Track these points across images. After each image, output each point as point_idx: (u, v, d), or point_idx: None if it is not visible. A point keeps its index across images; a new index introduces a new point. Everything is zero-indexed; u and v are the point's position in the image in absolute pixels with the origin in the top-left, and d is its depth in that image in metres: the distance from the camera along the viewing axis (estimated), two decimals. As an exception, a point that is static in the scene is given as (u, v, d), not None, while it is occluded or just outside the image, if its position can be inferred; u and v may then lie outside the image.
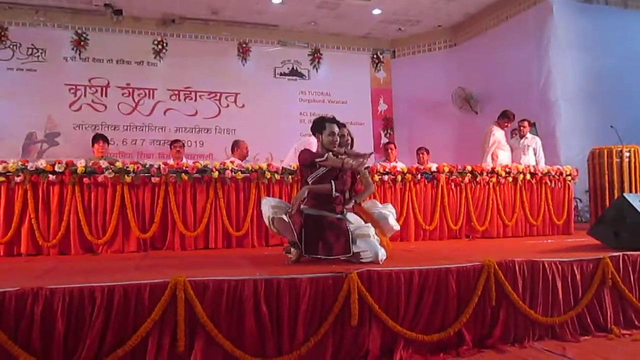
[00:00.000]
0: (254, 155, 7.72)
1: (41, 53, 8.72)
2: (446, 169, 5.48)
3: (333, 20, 9.49)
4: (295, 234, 3.41)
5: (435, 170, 5.46)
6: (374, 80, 10.41)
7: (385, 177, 5.24)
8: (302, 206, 3.52)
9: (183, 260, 3.76)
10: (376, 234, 3.68)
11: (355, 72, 10.24)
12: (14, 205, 4.30)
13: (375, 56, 10.42)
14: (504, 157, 6.42)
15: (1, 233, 4.24)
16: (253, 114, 9.14)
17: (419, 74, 10.11)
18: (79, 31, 8.92)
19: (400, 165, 5.48)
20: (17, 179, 4.26)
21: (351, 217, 3.74)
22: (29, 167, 4.30)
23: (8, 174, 4.27)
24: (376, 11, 9.19)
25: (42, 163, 4.35)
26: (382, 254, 3.47)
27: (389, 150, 7.00)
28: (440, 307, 3.18)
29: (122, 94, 8.95)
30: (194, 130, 9.00)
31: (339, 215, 3.60)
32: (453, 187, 5.55)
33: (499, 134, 6.58)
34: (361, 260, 3.43)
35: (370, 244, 3.49)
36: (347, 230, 3.53)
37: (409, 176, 5.32)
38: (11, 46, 8.57)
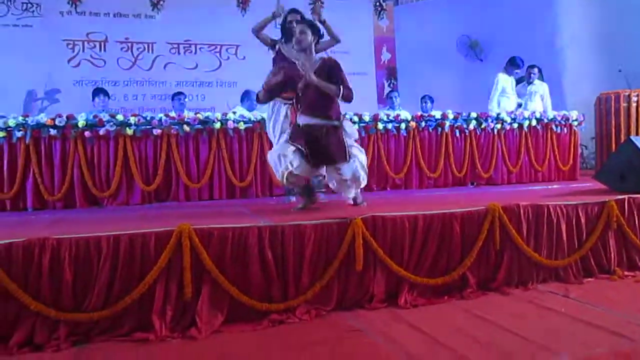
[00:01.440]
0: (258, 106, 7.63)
1: (36, 8, 8.51)
2: (451, 116, 5.42)
3: (333, -34, 9.19)
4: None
5: (440, 117, 5.40)
6: (376, 28, 10.14)
7: (389, 126, 5.18)
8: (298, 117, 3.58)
9: (187, 211, 3.78)
10: None
11: (357, 21, 9.94)
12: (17, 161, 4.29)
13: (377, 4, 10.11)
14: (508, 104, 6.32)
15: (6, 188, 4.25)
16: (254, 65, 8.90)
17: (423, 22, 9.86)
18: (73, -15, 8.68)
19: (405, 114, 5.41)
20: (19, 134, 4.24)
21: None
22: (29, 122, 4.27)
23: (9, 129, 4.24)
24: (378, -44, 8.90)
25: (42, 117, 4.32)
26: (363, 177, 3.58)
27: (393, 99, 6.91)
28: (445, 251, 3.20)
29: (121, 49, 8.75)
30: (194, 84, 8.85)
31: (335, 123, 3.58)
32: (458, 134, 5.49)
33: (504, 81, 6.46)
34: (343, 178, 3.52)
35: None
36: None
37: (413, 124, 5.27)
38: (5, 2, 8.37)
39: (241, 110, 5.54)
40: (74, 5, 8.70)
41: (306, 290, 2.88)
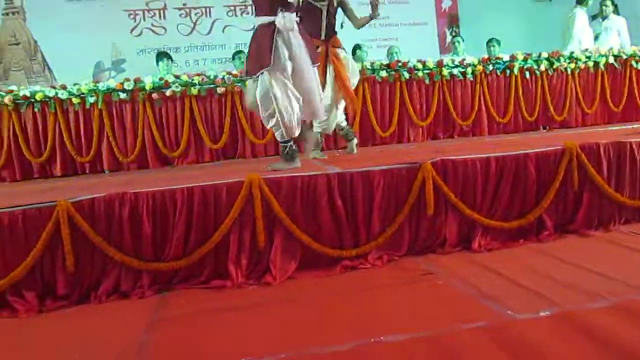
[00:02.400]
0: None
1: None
2: (520, 57, 5.16)
3: None
4: None
5: (509, 59, 5.14)
6: (436, -25, 9.74)
7: (455, 71, 4.99)
8: None
9: (255, 165, 3.82)
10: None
11: (415, -32, 9.58)
12: (91, 126, 4.49)
13: (436, -51, 9.67)
14: (588, 42, 5.91)
15: (84, 152, 4.47)
16: (311, 22, 8.87)
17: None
18: (130, -46, 8.80)
19: (470, 59, 5.19)
20: (91, 100, 4.41)
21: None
22: (100, 88, 4.44)
23: (82, 95, 4.42)
24: None
25: (112, 82, 4.47)
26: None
27: (456, 44, 6.65)
28: (519, 194, 3.08)
29: (180, 15, 8.87)
30: (253, 45, 8.89)
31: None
32: (528, 76, 5.23)
33: (582, 18, 6.03)
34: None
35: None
36: None
37: (479, 67, 5.05)
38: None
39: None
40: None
41: (377, 236, 2.86)
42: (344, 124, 4.18)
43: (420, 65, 4.89)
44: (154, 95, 4.46)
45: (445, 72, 4.95)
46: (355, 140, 4.20)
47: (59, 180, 4.19)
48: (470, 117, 5.05)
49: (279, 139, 3.31)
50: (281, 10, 3.16)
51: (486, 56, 5.39)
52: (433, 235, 2.97)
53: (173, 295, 2.62)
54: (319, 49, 3.78)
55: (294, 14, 3.22)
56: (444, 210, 2.97)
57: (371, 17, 3.76)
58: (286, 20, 3.14)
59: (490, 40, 6.46)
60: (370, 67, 4.83)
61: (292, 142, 3.28)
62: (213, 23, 8.92)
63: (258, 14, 3.24)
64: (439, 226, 2.97)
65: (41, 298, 2.57)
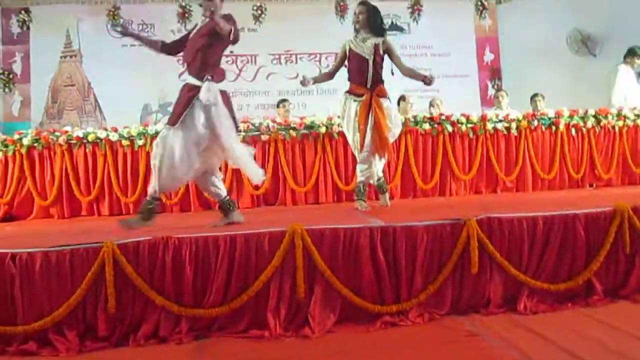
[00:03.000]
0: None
1: (150, 28, 9.14)
2: (566, 114, 5.10)
3: (433, -32, 9.04)
4: None
5: (554, 115, 5.09)
6: (478, 29, 9.82)
7: (499, 126, 4.97)
8: None
9: (296, 213, 3.84)
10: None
11: (458, 22, 9.69)
12: (139, 167, 4.61)
13: (479, 3, 9.79)
14: (634, 98, 5.82)
15: (130, 192, 4.58)
16: (354, 72, 9.03)
17: (528, 19, 9.38)
18: (183, 4, 9.23)
19: (514, 113, 5.17)
20: (140, 142, 4.55)
21: None
22: (149, 131, 4.58)
23: (131, 137, 4.57)
24: (480, -46, 8.62)
25: (160, 125, 4.61)
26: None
27: (500, 98, 6.62)
28: (568, 255, 2.98)
29: (226, 62, 9.11)
30: (295, 92, 9.06)
31: None
32: (574, 133, 5.15)
33: (626, 73, 5.96)
34: None
35: None
36: None
37: (524, 123, 5.02)
38: (124, 24, 9.06)
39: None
40: (183, 24, 9.27)
41: (419, 292, 2.80)
42: (380, 174, 4.15)
43: (464, 119, 4.90)
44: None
45: (489, 126, 4.93)
46: (388, 194, 4.17)
47: (106, 219, 4.29)
48: (514, 172, 4.99)
49: (149, 193, 3.34)
50: (208, 79, 3.24)
51: (530, 111, 5.36)
52: (477, 294, 2.89)
53: (210, 342, 2.61)
54: (364, 97, 3.85)
55: (221, 82, 3.36)
56: (489, 269, 2.89)
57: (424, 82, 3.88)
58: (210, 95, 3.22)
59: (534, 95, 6.42)
60: (413, 120, 4.85)
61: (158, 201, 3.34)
62: (258, 70, 9.18)
63: (189, 72, 3.33)
64: (483, 285, 2.89)
65: (82, 338, 2.59)
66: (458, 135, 4.93)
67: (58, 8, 9.11)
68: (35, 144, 4.53)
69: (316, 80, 4.16)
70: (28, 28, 9.15)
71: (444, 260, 2.84)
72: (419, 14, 9.60)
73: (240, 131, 3.76)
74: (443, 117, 4.89)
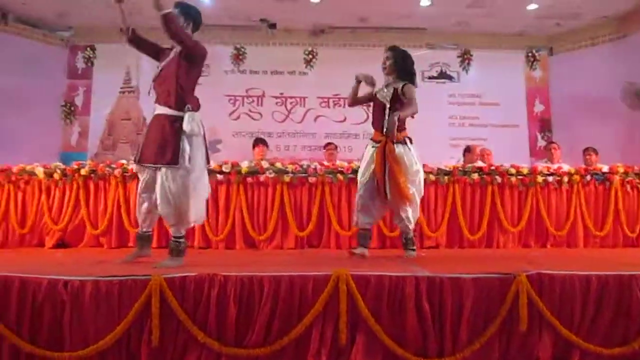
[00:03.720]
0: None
1: (205, 68, 9.46)
2: (620, 170, 4.95)
3: (484, 19, 9.09)
4: None
5: (608, 171, 4.96)
6: (529, 79, 9.76)
7: (550, 179, 4.88)
8: None
9: (340, 257, 3.81)
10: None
11: (508, 72, 9.68)
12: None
13: (530, 54, 9.75)
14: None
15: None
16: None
17: (580, 71, 9.27)
18: (238, 46, 9.57)
19: (566, 167, 5.06)
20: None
21: None
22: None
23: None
24: (532, 6, 8.63)
25: (211, 164, 4.71)
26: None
27: (552, 150, 6.50)
28: (622, 318, 2.84)
29: (276, 103, 9.39)
30: (342, 135, 9.16)
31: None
32: (629, 189, 4.99)
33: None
34: None
35: None
36: None
37: (576, 177, 4.90)
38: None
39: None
40: (237, 65, 9.60)
41: (464, 347, 2.72)
42: (409, 227, 3.97)
43: (513, 171, 4.82)
44: (249, 180, 4.64)
45: (540, 179, 4.83)
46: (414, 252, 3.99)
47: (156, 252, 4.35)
48: (565, 227, 4.85)
49: (175, 233, 3.32)
50: (189, 109, 3.24)
51: (582, 165, 5.23)
52: (525, 353, 2.78)
53: (250, 384, 2.59)
54: (379, 144, 3.83)
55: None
56: (538, 327, 2.79)
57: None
58: (194, 125, 3.23)
59: (587, 149, 6.29)
60: (462, 169, 4.81)
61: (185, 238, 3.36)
62: (306, 112, 9.35)
63: (163, 101, 3.28)
64: (531, 344, 2.78)
65: (124, 369, 2.62)
66: (507, 186, 4.84)
67: (121, 46, 9.57)
68: (92, 175, 4.71)
69: (354, 90, 4.16)
70: (92, 64, 9.68)
71: (491, 315, 2.75)
72: (468, 63, 9.64)
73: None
74: (492, 168, 4.83)
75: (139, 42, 3.57)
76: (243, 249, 4.62)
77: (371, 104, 4.13)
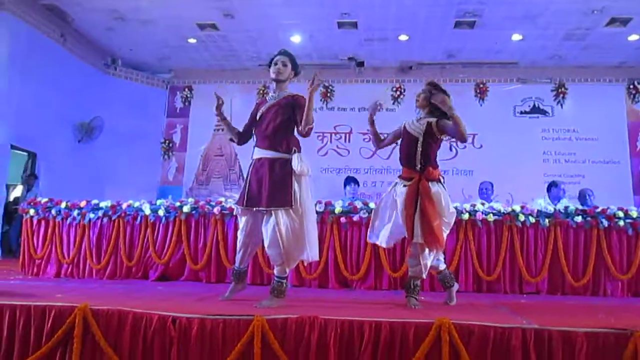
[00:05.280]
0: (493, 197, 7.41)
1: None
2: None
3: (580, 51, 8.79)
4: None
5: None
6: (630, 113, 9.26)
7: (662, 222, 4.53)
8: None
9: (437, 302, 3.73)
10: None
11: (607, 106, 9.24)
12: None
13: (631, 87, 9.27)
14: None
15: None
16: (492, 154, 8.88)
17: (687, 103, 8.70)
18: (326, 84, 9.81)
19: (679, 208, 4.69)
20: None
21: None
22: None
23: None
24: (633, 37, 8.25)
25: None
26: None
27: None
28: None
29: (363, 140, 9.50)
30: (429, 171, 9.07)
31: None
32: None
33: None
34: None
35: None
36: None
37: (693, 220, 4.52)
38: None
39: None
40: (325, 102, 9.84)
41: (577, 407, 2.55)
42: (442, 266, 3.74)
43: (621, 214, 4.53)
44: (342, 220, 4.69)
45: (647, 221, 4.51)
46: (456, 287, 3.77)
47: (251, 289, 4.47)
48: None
49: (280, 273, 3.39)
50: (295, 151, 3.36)
51: (698, 207, 4.82)
52: (644, 418, 2.56)
53: None
54: (411, 182, 3.54)
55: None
56: (658, 390, 2.57)
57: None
58: (303, 165, 3.34)
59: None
60: (564, 212, 4.59)
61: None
62: (393, 149, 9.31)
63: (270, 145, 3.43)
64: (652, 409, 2.56)
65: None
66: (615, 230, 4.55)
67: (216, 86, 10.14)
68: (193, 212, 4.95)
69: (373, 127, 3.97)
70: (189, 103, 10.32)
71: (606, 374, 2.58)
72: (563, 97, 9.32)
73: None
74: (598, 210, 4.56)
75: (247, 136, 3.74)
76: (336, 288, 4.63)
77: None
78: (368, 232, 3.89)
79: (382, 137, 4.04)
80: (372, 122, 3.93)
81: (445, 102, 3.42)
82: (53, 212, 5.22)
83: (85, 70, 9.06)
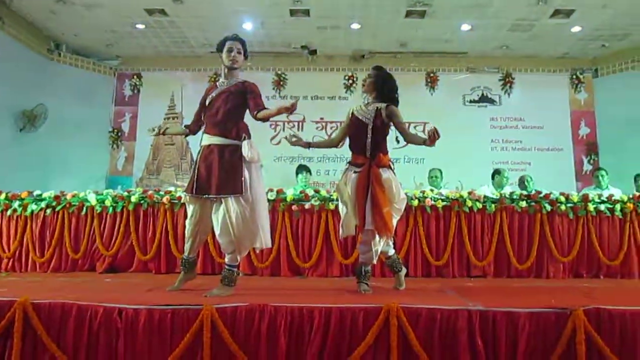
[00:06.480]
0: (443, 184, 7.55)
1: (247, 94, 9.67)
2: (676, 197, 4.78)
3: (526, 42, 9.01)
4: None
5: (662, 198, 4.79)
6: (573, 102, 9.59)
7: (602, 207, 4.73)
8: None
9: (387, 287, 3.78)
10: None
11: (551, 95, 9.54)
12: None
13: (574, 77, 9.60)
14: None
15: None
16: (442, 142, 8.94)
17: (627, 93, 9.06)
18: (279, 72, 9.74)
19: (618, 193, 4.90)
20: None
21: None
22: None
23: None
24: (576, 29, 8.51)
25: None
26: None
27: (600, 177, 6.32)
28: (688, 357, 2.72)
29: (316, 128, 9.50)
30: (381, 159, 9.16)
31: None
32: (686, 217, 4.80)
33: None
34: None
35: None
36: None
37: (630, 205, 4.74)
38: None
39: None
40: (278, 91, 9.76)
41: (519, 385, 2.64)
42: (391, 252, 3.76)
43: (563, 199, 4.70)
44: (294, 207, 4.68)
45: (591, 207, 4.70)
46: (404, 271, 3.80)
47: (200, 278, 4.41)
48: (619, 257, 4.68)
49: (231, 261, 3.38)
50: (245, 137, 3.36)
51: (633, 191, 5.06)
52: (583, 392, 2.68)
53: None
54: (362, 168, 3.53)
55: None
56: (597, 366, 2.69)
57: (425, 145, 3.33)
58: (254, 152, 3.32)
59: (638, 175, 6.09)
60: (509, 197, 4.72)
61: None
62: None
63: (219, 132, 3.36)
64: (590, 383, 2.68)
65: (175, 399, 2.65)
66: (557, 214, 4.72)
67: (166, 74, 9.92)
68: (142, 202, 4.83)
69: (314, 145, 3.88)
70: (138, 91, 10.02)
71: (547, 351, 2.68)
72: (510, 87, 9.56)
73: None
74: (541, 196, 4.72)
75: (198, 124, 3.66)
76: (288, 276, 4.62)
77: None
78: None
79: (331, 139, 4.01)
80: (307, 145, 3.80)
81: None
82: (-9, 203, 5.00)
83: (27, 55, 8.63)
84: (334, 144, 3.89)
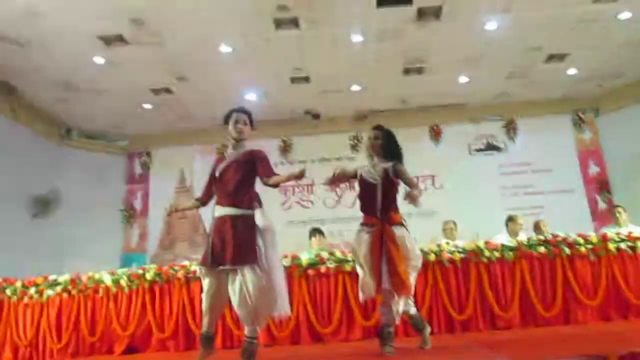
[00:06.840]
0: (459, 235, 7.47)
1: (255, 161, 9.79)
2: (697, 230, 4.68)
3: (524, 88, 9.16)
4: None
5: (684, 232, 4.69)
6: (579, 142, 9.62)
7: (623, 245, 4.63)
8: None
9: (412, 347, 3.67)
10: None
11: (556, 137, 9.59)
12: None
13: (576, 117, 9.68)
14: None
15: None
16: (452, 194, 9.02)
17: (631, 128, 9.09)
18: (284, 138, 9.91)
19: (636, 230, 4.81)
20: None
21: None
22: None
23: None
24: (571, 71, 8.66)
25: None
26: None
27: (617, 215, 6.21)
28: None
29: (326, 190, 9.52)
30: (395, 216, 9.11)
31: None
32: None
33: None
34: None
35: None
36: None
37: (651, 241, 4.64)
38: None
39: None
40: (285, 156, 9.90)
41: None
42: (412, 311, 3.65)
43: (582, 240, 4.62)
44: (310, 272, 4.62)
45: (612, 247, 4.60)
46: (428, 329, 3.68)
47: (220, 352, 4.29)
48: (644, 298, 4.53)
49: (250, 333, 3.27)
50: (256, 206, 3.36)
51: (652, 226, 4.97)
52: None
53: None
54: (374, 228, 3.49)
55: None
56: (640, 414, 2.55)
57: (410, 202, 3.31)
58: (266, 220, 3.33)
59: (654, 210, 6.00)
60: (526, 244, 4.65)
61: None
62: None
63: (232, 202, 3.34)
64: None
65: None
66: (577, 257, 4.63)
67: (174, 149, 10.12)
68: (157, 279, 4.81)
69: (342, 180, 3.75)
70: (148, 168, 10.20)
71: (586, 403, 2.55)
72: (514, 133, 9.64)
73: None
74: (559, 239, 4.64)
75: (209, 196, 3.65)
76: (309, 343, 4.50)
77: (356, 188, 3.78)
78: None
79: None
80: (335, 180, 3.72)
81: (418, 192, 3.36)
82: (8, 292, 4.99)
83: (39, 142, 8.87)
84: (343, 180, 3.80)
